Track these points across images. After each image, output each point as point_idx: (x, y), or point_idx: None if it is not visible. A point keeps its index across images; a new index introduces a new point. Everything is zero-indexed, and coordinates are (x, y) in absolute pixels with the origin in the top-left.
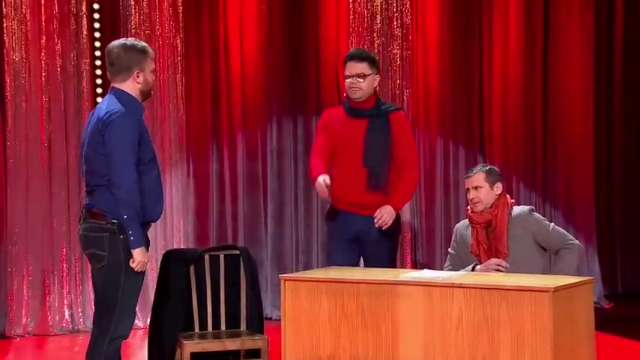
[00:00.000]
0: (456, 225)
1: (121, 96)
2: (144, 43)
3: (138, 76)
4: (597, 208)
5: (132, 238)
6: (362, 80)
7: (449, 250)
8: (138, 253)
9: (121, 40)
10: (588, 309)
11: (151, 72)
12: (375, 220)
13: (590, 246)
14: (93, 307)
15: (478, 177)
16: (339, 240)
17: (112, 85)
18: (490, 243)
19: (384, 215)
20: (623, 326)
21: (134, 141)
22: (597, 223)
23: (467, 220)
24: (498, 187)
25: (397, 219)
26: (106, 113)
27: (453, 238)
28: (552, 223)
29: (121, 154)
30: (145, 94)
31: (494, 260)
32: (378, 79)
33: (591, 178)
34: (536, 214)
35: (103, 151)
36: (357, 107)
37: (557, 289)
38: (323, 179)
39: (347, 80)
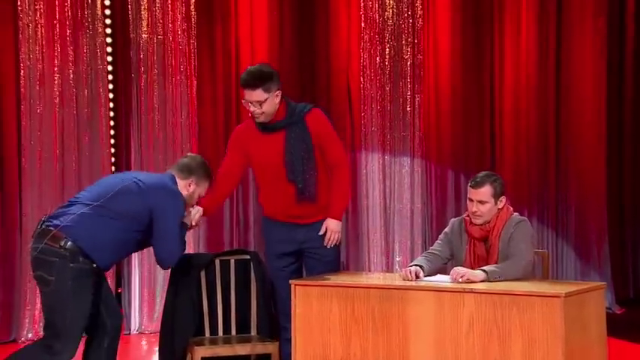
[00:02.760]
0: (452, 220)
1: (174, 182)
2: (212, 171)
3: (189, 186)
4: (609, 214)
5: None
6: (260, 107)
7: (440, 235)
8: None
9: (200, 156)
10: (600, 314)
11: (200, 196)
12: (325, 241)
13: (602, 251)
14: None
15: (485, 191)
16: (278, 253)
17: (171, 172)
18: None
19: (332, 234)
20: (635, 332)
21: (178, 220)
22: (609, 228)
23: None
24: (502, 201)
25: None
26: (166, 185)
27: (448, 229)
28: (530, 244)
29: (173, 233)
30: (185, 203)
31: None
32: (279, 93)
33: (603, 184)
34: (527, 224)
35: (144, 207)
36: (269, 122)
37: (568, 295)
38: (196, 211)
39: (246, 106)
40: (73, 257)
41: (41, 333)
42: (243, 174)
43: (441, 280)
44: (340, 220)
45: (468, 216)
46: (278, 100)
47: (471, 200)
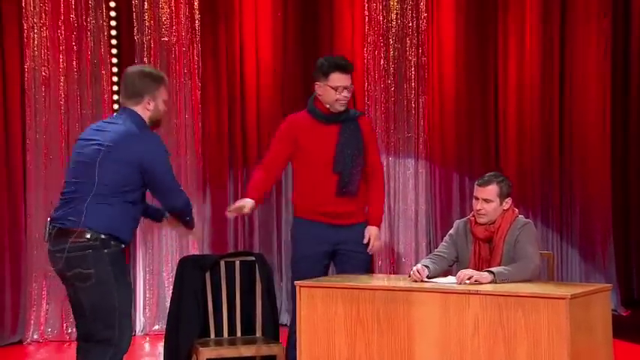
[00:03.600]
0: (457, 221)
1: (134, 117)
2: (160, 73)
3: (149, 104)
4: (614, 215)
5: (188, 219)
6: (349, 94)
7: (445, 238)
8: (194, 233)
9: (139, 67)
10: (605, 316)
11: (164, 102)
12: (369, 249)
13: (607, 252)
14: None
15: (490, 189)
16: (309, 254)
17: (125, 106)
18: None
19: (375, 242)
20: None
21: (166, 154)
22: (614, 230)
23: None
24: (507, 203)
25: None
26: (133, 135)
27: (453, 231)
28: (537, 247)
29: (166, 175)
30: (154, 122)
31: (467, 272)
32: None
33: (608, 185)
34: (532, 227)
35: (122, 166)
36: (330, 114)
37: (574, 297)
38: (244, 204)
39: (335, 93)
40: (104, 244)
41: (47, 334)
42: (286, 166)
43: (447, 281)
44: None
45: (473, 216)
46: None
47: (477, 198)
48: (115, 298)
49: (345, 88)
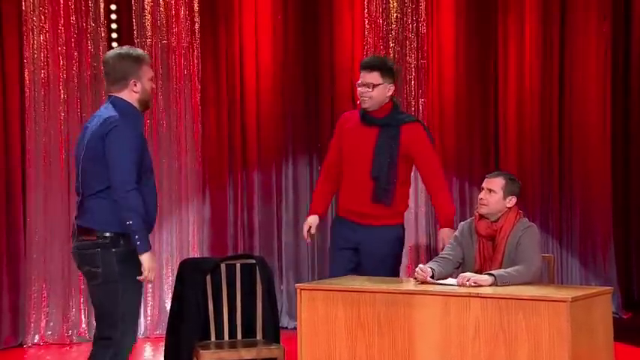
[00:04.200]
0: (461, 223)
1: (119, 104)
2: (140, 51)
3: (135, 85)
4: (615, 217)
5: (138, 243)
6: (371, 90)
7: (450, 240)
8: (146, 259)
9: (116, 50)
10: (606, 319)
11: (149, 80)
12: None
13: (607, 255)
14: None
15: (497, 181)
16: (338, 249)
17: (109, 94)
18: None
19: (445, 239)
20: None
21: (136, 148)
22: (614, 232)
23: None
24: (511, 201)
25: (402, 231)
26: (105, 121)
27: (458, 232)
28: (539, 250)
29: (122, 162)
30: (144, 103)
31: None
32: (393, 88)
33: (609, 187)
34: (535, 230)
35: (103, 160)
36: (369, 115)
37: (575, 299)
38: (309, 225)
39: (358, 88)
40: (113, 242)
41: (48, 337)
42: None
43: (448, 283)
44: (453, 228)
45: (476, 211)
46: (389, 94)
47: (482, 188)
48: (120, 298)
49: (364, 84)
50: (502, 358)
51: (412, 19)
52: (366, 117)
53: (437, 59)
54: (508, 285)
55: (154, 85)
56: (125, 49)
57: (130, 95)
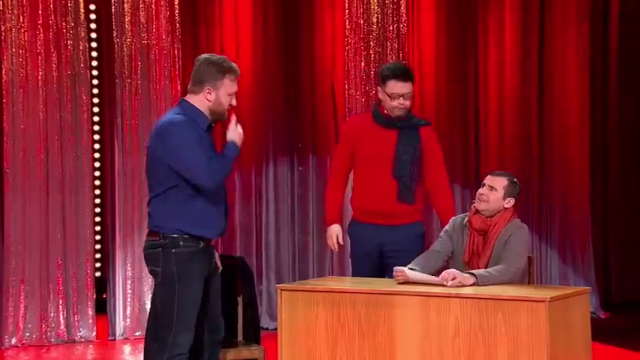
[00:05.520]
0: (453, 218)
1: (185, 106)
2: (233, 65)
3: (209, 94)
4: (593, 219)
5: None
6: (408, 101)
7: (440, 234)
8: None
9: (210, 55)
10: (584, 319)
11: (229, 95)
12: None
13: (586, 255)
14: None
15: (500, 180)
16: (360, 255)
17: (183, 97)
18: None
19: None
20: (620, 336)
21: (196, 140)
22: (593, 233)
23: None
24: (509, 202)
25: (424, 228)
26: (163, 124)
27: (450, 226)
28: (525, 252)
29: (188, 155)
30: (216, 114)
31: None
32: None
33: (587, 189)
34: (526, 232)
35: (161, 162)
36: (391, 119)
37: (553, 299)
38: (336, 235)
39: (391, 100)
40: (173, 243)
41: (26, 339)
42: (352, 166)
43: (432, 281)
44: None
45: (472, 205)
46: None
47: (484, 185)
48: (176, 300)
49: (402, 95)
50: (481, 357)
51: (393, 20)
52: (385, 120)
53: (417, 60)
54: (489, 285)
55: (233, 103)
56: (218, 56)
57: (201, 101)
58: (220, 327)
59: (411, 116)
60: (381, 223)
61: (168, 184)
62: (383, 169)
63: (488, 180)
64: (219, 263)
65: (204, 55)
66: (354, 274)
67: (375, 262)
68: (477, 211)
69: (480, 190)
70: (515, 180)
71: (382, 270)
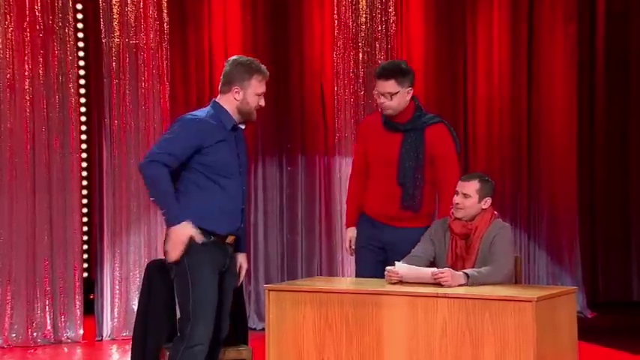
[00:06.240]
0: (435, 221)
1: (215, 106)
2: (262, 66)
3: (237, 93)
4: (580, 219)
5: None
6: (389, 99)
7: (421, 238)
8: (172, 231)
9: (237, 56)
10: (571, 318)
11: (257, 95)
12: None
13: (573, 255)
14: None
15: (471, 185)
16: (363, 247)
17: (214, 98)
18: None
19: None
20: (606, 336)
21: (190, 136)
22: (580, 232)
23: (445, 219)
24: (486, 202)
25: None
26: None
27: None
28: (512, 252)
29: (167, 138)
30: (244, 114)
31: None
32: (411, 91)
33: (574, 189)
34: (509, 231)
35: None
36: (392, 121)
37: (540, 299)
38: (349, 238)
39: (378, 98)
40: None
41: (12, 340)
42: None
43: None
44: None
45: (451, 212)
46: (408, 97)
47: (457, 193)
48: (190, 292)
49: (382, 94)
50: (469, 357)
51: (381, 20)
52: (389, 123)
53: (406, 60)
54: (479, 285)
55: (262, 103)
56: (247, 58)
57: (229, 101)
58: (224, 326)
59: (419, 115)
60: (385, 223)
61: (183, 179)
62: (388, 173)
63: (460, 187)
64: (244, 264)
65: (234, 57)
66: (357, 266)
67: (377, 257)
68: (457, 217)
69: (455, 199)
70: (486, 178)
71: (386, 264)
